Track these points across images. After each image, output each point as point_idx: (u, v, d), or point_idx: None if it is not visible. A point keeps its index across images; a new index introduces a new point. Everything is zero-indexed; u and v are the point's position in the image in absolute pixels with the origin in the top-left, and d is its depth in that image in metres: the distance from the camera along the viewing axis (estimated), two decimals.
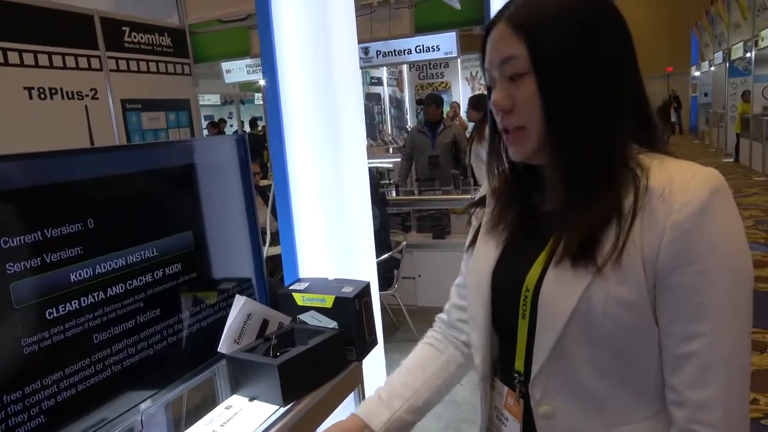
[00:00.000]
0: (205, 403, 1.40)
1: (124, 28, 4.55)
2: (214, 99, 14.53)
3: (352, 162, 1.62)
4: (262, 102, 11.82)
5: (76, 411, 1.02)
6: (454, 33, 6.56)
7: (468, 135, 5.48)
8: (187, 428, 1.14)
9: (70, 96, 4.09)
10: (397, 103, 10.07)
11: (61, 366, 0.99)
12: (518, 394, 0.85)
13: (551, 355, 0.77)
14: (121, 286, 1.11)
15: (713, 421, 0.70)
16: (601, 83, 0.75)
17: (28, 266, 0.94)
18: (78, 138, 4.12)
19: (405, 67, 10.22)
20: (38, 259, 0.96)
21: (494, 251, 0.88)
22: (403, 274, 4.32)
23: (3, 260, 0.91)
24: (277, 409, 1.22)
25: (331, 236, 1.63)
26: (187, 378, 1.27)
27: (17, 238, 0.93)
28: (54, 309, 0.98)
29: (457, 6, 3.86)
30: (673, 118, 18.79)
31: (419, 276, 4.59)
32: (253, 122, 14.05)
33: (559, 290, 0.76)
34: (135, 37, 4.65)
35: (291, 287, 1.49)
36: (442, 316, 1.10)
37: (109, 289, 1.08)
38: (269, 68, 1.50)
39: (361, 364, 1.42)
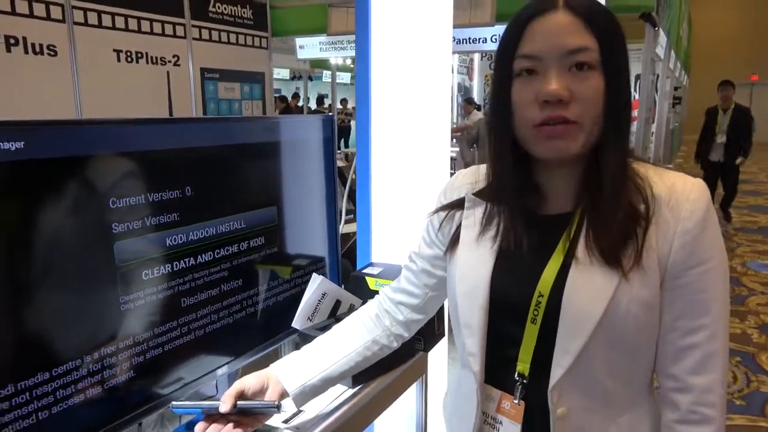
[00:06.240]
0: None
1: None
2: (284, 73, 14.72)
3: (435, 149, 1.61)
4: (330, 80, 11.94)
5: (162, 369, 1.07)
6: None
7: None
8: None
9: (155, 61, 4.25)
10: (465, 91, 9.93)
11: (151, 325, 1.04)
12: (519, 396, 0.85)
13: (575, 360, 0.78)
14: (210, 254, 1.14)
15: (714, 402, 0.78)
16: (629, 86, 0.80)
17: (131, 228, 0.98)
18: (158, 102, 4.28)
19: (477, 56, 10.04)
20: (140, 222, 0.99)
21: (489, 256, 0.86)
22: None
23: (110, 220, 0.95)
24: (345, 390, 1.24)
25: (407, 223, 1.62)
26: (260, 349, 1.30)
27: (123, 200, 0.97)
28: (150, 271, 1.02)
29: None
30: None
31: None
32: (320, 100, 14.17)
33: (586, 295, 0.77)
34: (219, 7, 4.76)
35: (364, 270, 1.50)
36: (387, 293, 1.08)
37: (199, 257, 1.12)
38: (363, 48, 1.49)
39: (427, 354, 1.42)
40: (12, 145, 0.79)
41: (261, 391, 0.96)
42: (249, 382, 0.96)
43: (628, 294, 0.76)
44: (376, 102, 1.55)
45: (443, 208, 0.95)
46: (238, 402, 0.92)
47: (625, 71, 0.79)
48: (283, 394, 0.97)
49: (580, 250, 0.79)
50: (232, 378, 1.32)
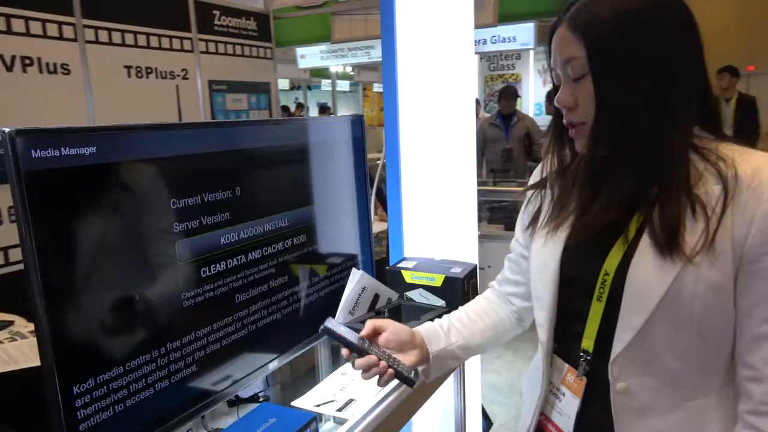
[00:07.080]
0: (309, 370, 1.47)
1: (214, 12, 4.73)
2: (283, 83, 14.83)
3: (460, 147, 1.65)
4: (329, 88, 12.02)
5: (220, 363, 1.11)
6: (532, 24, 6.45)
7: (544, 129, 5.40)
8: (302, 393, 1.21)
9: (164, 75, 4.30)
10: None
11: (210, 321, 1.08)
12: (581, 371, 0.87)
13: (636, 336, 0.80)
14: (259, 252, 1.19)
15: None
16: (659, 80, 0.77)
17: (189, 227, 1.02)
18: (168, 116, 4.33)
19: (476, 57, 10.11)
20: (197, 221, 1.04)
21: (562, 234, 0.90)
22: None
23: (171, 220, 0.99)
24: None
25: (436, 220, 1.67)
26: (307, 342, 1.34)
27: (182, 200, 1.01)
28: (207, 268, 1.06)
29: None
30: None
31: (488, 267, 4.56)
32: (322, 109, 14.28)
33: (648, 277, 0.78)
34: (224, 20, 4.82)
35: (399, 265, 1.54)
36: (495, 286, 1.13)
37: (249, 254, 1.16)
38: (389, 52, 1.54)
39: None
40: (86, 150, 0.84)
41: (402, 342, 0.94)
42: (398, 330, 0.95)
43: (695, 275, 0.75)
44: (403, 104, 1.59)
45: (530, 187, 1.01)
46: (385, 357, 0.89)
47: (634, 70, 0.78)
48: (421, 360, 0.96)
49: (646, 232, 0.80)
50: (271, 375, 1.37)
